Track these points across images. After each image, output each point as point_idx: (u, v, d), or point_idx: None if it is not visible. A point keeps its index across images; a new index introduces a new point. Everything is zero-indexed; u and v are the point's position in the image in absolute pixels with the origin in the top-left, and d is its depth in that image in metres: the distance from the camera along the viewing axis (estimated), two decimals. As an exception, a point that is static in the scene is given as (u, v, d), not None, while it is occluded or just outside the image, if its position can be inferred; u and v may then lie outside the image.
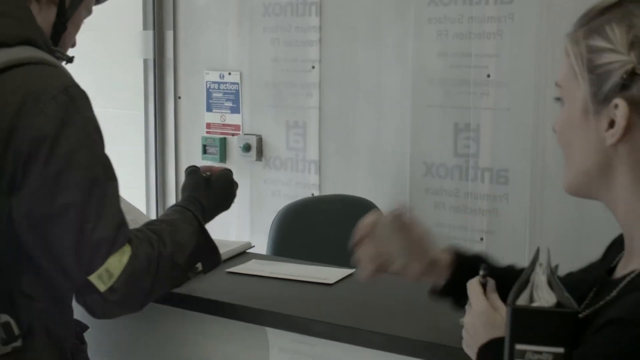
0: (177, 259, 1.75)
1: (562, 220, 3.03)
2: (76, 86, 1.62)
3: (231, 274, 2.10)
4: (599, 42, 1.14)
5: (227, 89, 3.87)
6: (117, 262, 1.60)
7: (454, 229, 3.36)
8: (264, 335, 1.87)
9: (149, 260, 1.67)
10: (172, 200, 4.05)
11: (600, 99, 1.13)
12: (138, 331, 2.08)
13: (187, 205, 1.90)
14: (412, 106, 3.39)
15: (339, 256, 2.90)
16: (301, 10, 3.64)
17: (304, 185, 3.73)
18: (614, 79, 1.12)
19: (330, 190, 3.65)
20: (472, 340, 1.33)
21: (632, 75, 1.11)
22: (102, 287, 1.59)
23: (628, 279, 1.14)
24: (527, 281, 1.23)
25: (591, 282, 1.27)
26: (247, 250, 2.36)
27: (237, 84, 3.85)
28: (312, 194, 3.69)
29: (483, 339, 1.29)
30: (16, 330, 1.59)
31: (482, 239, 3.29)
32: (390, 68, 3.44)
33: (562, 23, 2.80)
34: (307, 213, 3.37)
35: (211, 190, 2.01)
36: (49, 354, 1.66)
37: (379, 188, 3.50)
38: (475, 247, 3.29)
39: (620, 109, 1.11)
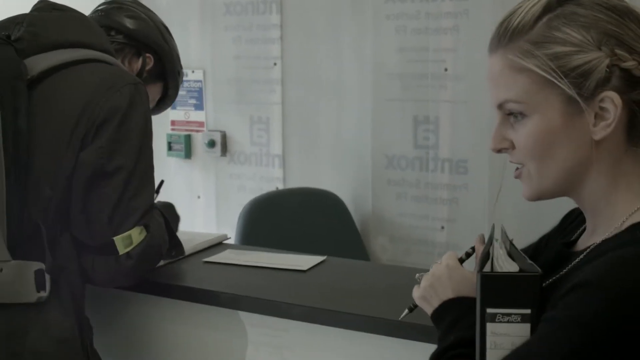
0: (162, 249, 1.98)
1: (520, 207, 3.14)
2: (143, 85, 1.92)
3: (207, 263, 2.17)
4: (558, 48, 1.18)
5: (190, 87, 3.94)
6: (138, 234, 1.83)
7: (416, 218, 3.46)
8: (241, 321, 1.95)
9: (153, 247, 1.88)
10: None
11: (585, 97, 1.17)
12: (115, 318, 2.14)
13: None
14: (373, 100, 3.49)
15: (305, 246, 2.99)
16: (262, 8, 3.72)
17: (269, 179, 3.81)
18: (597, 75, 1.16)
19: (295, 183, 3.74)
20: (433, 292, 1.39)
21: (612, 67, 1.16)
22: (121, 250, 1.81)
23: (588, 250, 1.22)
24: (487, 254, 1.33)
25: (551, 252, 1.35)
26: (223, 242, 2.44)
27: (201, 81, 3.92)
28: (277, 188, 3.77)
29: (449, 294, 1.36)
30: (47, 282, 1.75)
31: (443, 227, 3.40)
32: (350, 64, 3.54)
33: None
34: (272, 206, 3.45)
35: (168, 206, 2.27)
36: (68, 317, 1.81)
37: (341, 180, 3.60)
38: (436, 235, 3.41)
39: (613, 100, 1.17)
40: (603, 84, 1.17)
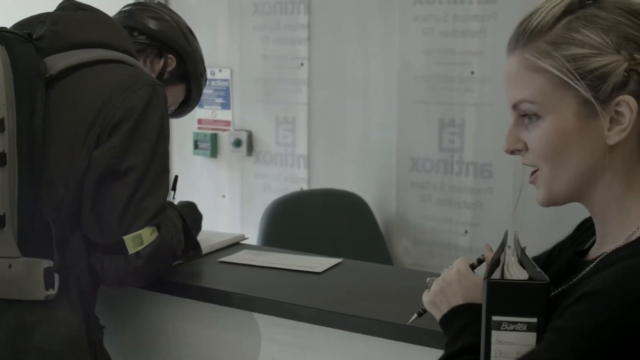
0: (178, 250, 2.00)
1: (544, 212, 3.11)
2: (162, 87, 1.92)
3: (223, 264, 2.18)
4: (576, 50, 1.17)
5: (217, 86, 3.95)
6: (149, 234, 1.83)
7: (440, 221, 3.45)
8: (253, 322, 1.95)
9: (168, 245, 1.88)
10: (164, 194, 4.12)
11: (601, 100, 1.16)
12: (129, 318, 2.15)
13: (171, 204, 2.11)
14: (398, 102, 3.48)
15: (327, 248, 2.99)
16: (290, 8, 3.72)
17: (294, 180, 3.81)
18: (614, 78, 1.15)
19: (319, 184, 3.73)
20: (443, 297, 1.38)
21: (629, 72, 1.15)
22: (131, 249, 1.81)
23: (599, 259, 1.21)
24: (497, 261, 1.31)
25: (563, 260, 1.33)
26: (241, 242, 2.44)
27: (228, 80, 3.92)
28: (302, 188, 3.77)
29: (458, 300, 1.34)
30: (56, 280, 1.76)
31: (466, 231, 3.38)
32: (377, 65, 3.52)
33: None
34: (296, 207, 3.46)
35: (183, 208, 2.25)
36: (77, 315, 1.82)
37: (366, 182, 3.59)
38: (459, 239, 3.39)
39: (629, 104, 1.16)
40: (620, 87, 1.16)
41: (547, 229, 3.20)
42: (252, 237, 3.30)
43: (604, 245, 1.26)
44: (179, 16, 2.31)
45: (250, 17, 3.84)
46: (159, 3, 2.29)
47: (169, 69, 2.21)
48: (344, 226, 3.48)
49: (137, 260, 1.81)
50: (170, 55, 2.21)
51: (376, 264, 2.34)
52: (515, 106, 1.25)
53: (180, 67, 2.24)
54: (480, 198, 3.34)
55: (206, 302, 2.00)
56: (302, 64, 3.72)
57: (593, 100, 1.16)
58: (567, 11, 1.20)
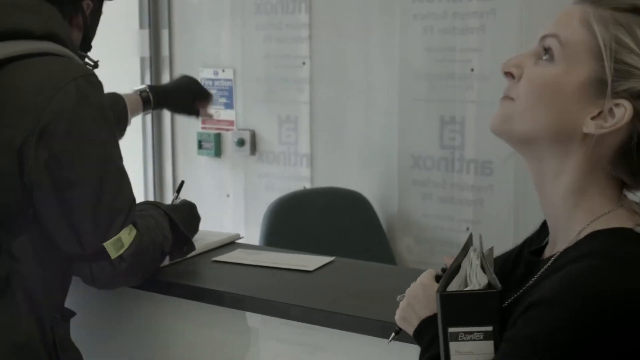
0: (165, 247, 1.98)
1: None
2: (94, 75, 1.77)
3: (216, 263, 2.19)
4: (627, 40, 1.17)
5: (221, 86, 3.96)
6: (127, 235, 1.79)
7: (441, 219, 3.45)
8: (244, 320, 1.96)
9: (148, 242, 1.86)
10: (168, 194, 4.15)
11: (608, 91, 1.16)
12: (120, 317, 2.16)
13: (156, 203, 2.11)
14: (399, 100, 3.48)
15: (330, 246, 3.00)
16: (291, 7, 3.73)
17: (297, 178, 3.81)
18: (634, 84, 1.16)
19: (322, 183, 3.74)
20: (411, 312, 1.38)
21: None
22: (113, 254, 1.77)
23: (550, 261, 1.21)
24: (458, 267, 1.31)
25: (522, 261, 1.34)
26: (237, 241, 2.45)
27: (231, 80, 3.94)
28: (305, 187, 3.78)
29: (426, 312, 1.35)
30: None
31: (468, 228, 3.37)
32: (378, 63, 3.53)
33: (542, 17, 2.89)
34: (298, 205, 3.47)
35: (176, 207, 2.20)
36: (26, 318, 1.73)
37: (368, 180, 3.59)
38: (461, 236, 3.38)
39: (627, 112, 1.16)
40: (631, 95, 1.16)
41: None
42: (256, 236, 3.32)
43: (555, 243, 1.26)
44: None
45: (252, 17, 3.85)
46: None
47: (88, 12, 1.96)
48: (347, 224, 3.49)
49: (122, 263, 1.79)
50: (85, 1, 1.95)
51: (368, 262, 2.35)
52: (543, 38, 1.24)
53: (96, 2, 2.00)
54: (481, 195, 3.34)
55: (197, 300, 2.01)
56: (303, 63, 3.72)
57: (600, 84, 1.17)
58: None
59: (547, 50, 1.23)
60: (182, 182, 2.28)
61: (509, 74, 1.27)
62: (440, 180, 3.43)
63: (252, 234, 3.40)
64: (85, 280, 1.85)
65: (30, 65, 1.68)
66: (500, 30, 3.21)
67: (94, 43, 2.05)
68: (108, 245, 1.76)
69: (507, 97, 1.27)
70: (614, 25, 1.18)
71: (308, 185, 3.78)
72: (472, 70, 3.29)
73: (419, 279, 1.43)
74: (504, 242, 3.56)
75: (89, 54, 2.04)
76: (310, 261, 2.17)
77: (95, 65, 2.03)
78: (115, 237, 1.77)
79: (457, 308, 1.20)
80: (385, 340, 1.73)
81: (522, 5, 3.15)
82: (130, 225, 1.81)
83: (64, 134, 1.66)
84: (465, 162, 3.36)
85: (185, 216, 2.17)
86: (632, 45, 1.17)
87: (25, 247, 1.74)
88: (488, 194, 3.32)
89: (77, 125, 1.68)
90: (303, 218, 3.42)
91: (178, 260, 2.15)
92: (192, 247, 2.16)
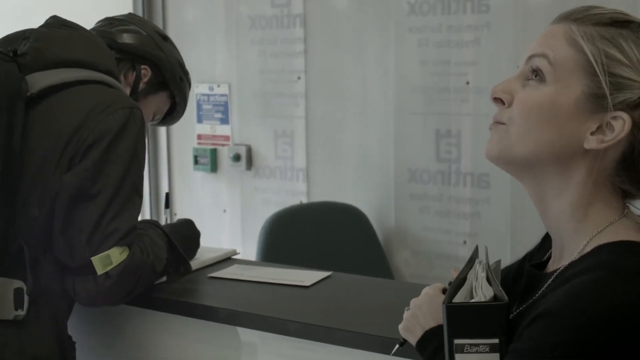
0: (156, 267, 1.98)
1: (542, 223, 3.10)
2: (140, 110, 1.93)
3: (212, 279, 2.18)
4: (616, 54, 1.17)
5: (216, 101, 3.96)
6: (118, 254, 1.82)
7: (439, 232, 3.44)
8: (239, 336, 1.94)
9: (139, 263, 1.88)
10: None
11: (604, 105, 1.17)
12: (116, 334, 2.15)
13: (155, 223, 2.13)
14: (395, 114, 3.48)
15: (327, 260, 2.99)
16: (286, 22, 3.73)
17: (293, 193, 3.81)
18: (629, 95, 1.16)
19: (318, 197, 3.73)
20: (415, 322, 1.38)
21: None
22: (100, 270, 1.81)
23: (555, 274, 1.21)
24: (464, 279, 1.30)
25: (525, 274, 1.33)
26: (234, 257, 2.44)
27: (226, 95, 3.94)
28: (301, 201, 3.77)
29: (430, 322, 1.34)
30: (25, 300, 1.76)
31: (465, 242, 3.37)
32: (373, 77, 3.53)
33: (536, 30, 2.89)
34: (294, 220, 3.45)
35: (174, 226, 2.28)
36: (47, 334, 1.83)
37: (365, 194, 3.59)
38: (459, 249, 3.38)
39: (626, 123, 1.16)
40: (628, 105, 1.17)
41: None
42: (254, 251, 3.31)
43: (560, 257, 1.26)
44: (149, 23, 2.30)
45: (247, 32, 3.85)
46: (129, 14, 2.27)
47: (145, 79, 2.19)
48: (344, 239, 3.48)
49: (107, 281, 1.81)
50: (143, 66, 2.19)
51: (365, 276, 2.34)
52: (530, 58, 1.24)
53: (158, 76, 2.22)
54: (478, 208, 3.33)
55: (192, 317, 2.00)
56: (299, 78, 3.72)
57: (608, 94, 1.16)
58: (626, 24, 1.21)
59: (536, 71, 1.22)
60: (167, 194, 2.27)
61: (498, 100, 1.26)
62: (437, 193, 3.42)
63: (249, 249, 3.39)
64: (66, 297, 1.88)
65: (92, 89, 1.89)
66: (495, 44, 3.22)
67: None
68: (96, 259, 1.80)
69: (498, 123, 1.26)
70: (600, 40, 1.19)
71: (304, 200, 3.77)
72: (468, 83, 3.29)
73: (424, 290, 1.42)
74: (501, 254, 3.57)
75: None
76: (307, 276, 2.16)
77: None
78: (104, 253, 1.80)
79: (464, 320, 1.19)
80: (384, 356, 1.73)
81: (517, 19, 3.15)
82: (125, 247, 1.84)
83: (101, 151, 1.81)
84: (462, 175, 3.35)
85: (183, 235, 2.20)
86: (621, 57, 1.17)
87: (52, 264, 1.83)
88: (485, 206, 3.31)
89: (114, 147, 1.83)
90: (300, 233, 3.41)
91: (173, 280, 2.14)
92: (189, 269, 2.16)
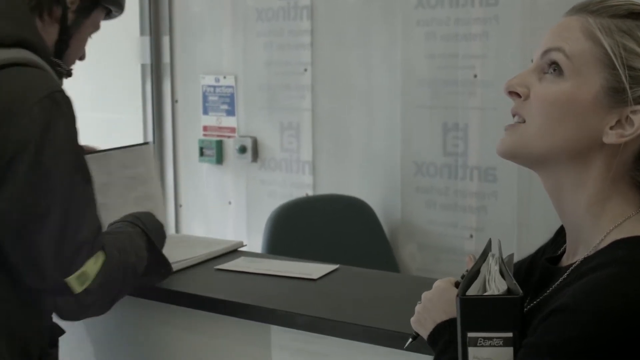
0: (138, 268, 1.85)
1: (549, 215, 3.09)
2: (61, 91, 1.64)
3: (219, 271, 2.17)
4: (633, 45, 1.16)
5: (222, 93, 3.95)
6: (93, 265, 1.65)
7: (445, 226, 3.43)
8: (246, 329, 1.94)
9: (119, 267, 1.74)
10: (170, 202, 4.13)
11: (624, 99, 1.15)
12: (120, 326, 2.15)
13: (134, 221, 1.95)
14: (402, 107, 3.46)
15: (332, 254, 2.98)
16: (293, 14, 3.72)
17: (299, 186, 3.79)
18: None
19: (324, 190, 3.72)
20: (427, 315, 1.36)
21: None
22: (78, 289, 1.64)
23: (570, 269, 1.19)
24: (477, 272, 1.29)
25: (538, 269, 1.32)
26: (240, 249, 2.43)
27: (232, 87, 3.92)
28: (307, 194, 3.76)
29: (442, 315, 1.33)
30: None
31: (471, 235, 3.36)
32: (380, 70, 3.51)
33: (545, 23, 2.88)
34: (300, 213, 3.45)
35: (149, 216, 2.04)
36: (7, 350, 1.64)
37: (371, 187, 3.57)
38: (465, 243, 3.37)
39: None
40: None
41: (552, 233, 3.19)
42: (259, 243, 3.30)
43: (575, 252, 1.25)
44: None
45: (253, 24, 3.84)
46: None
47: (73, 7, 1.84)
48: (349, 232, 3.47)
49: (88, 297, 1.66)
50: None
51: (372, 270, 2.33)
52: (546, 52, 1.21)
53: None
54: (485, 202, 3.32)
55: (199, 309, 2.00)
56: (305, 70, 3.71)
57: (627, 88, 1.15)
58: None
59: (553, 64, 1.20)
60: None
61: (514, 93, 1.24)
62: (444, 187, 3.41)
63: (254, 242, 3.38)
64: (27, 312, 1.70)
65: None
66: (503, 37, 3.20)
67: (95, 49, 1.98)
68: (71, 280, 1.63)
69: (518, 123, 1.24)
70: (617, 33, 1.17)
71: (310, 193, 3.76)
72: (475, 76, 3.28)
73: (435, 284, 1.41)
74: (508, 248, 3.57)
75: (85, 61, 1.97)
76: (314, 269, 2.15)
77: (69, 74, 1.90)
78: (78, 272, 1.63)
79: (478, 313, 1.18)
80: (392, 350, 1.73)
81: (525, 12, 3.14)
82: (98, 252, 1.68)
83: (28, 166, 1.56)
84: (469, 169, 3.34)
85: (153, 232, 2.00)
86: (639, 50, 1.16)
87: (5, 284, 1.64)
88: (492, 200, 3.30)
89: (43, 155, 1.57)
90: (306, 225, 3.40)
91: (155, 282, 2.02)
92: (170, 270, 2.03)
